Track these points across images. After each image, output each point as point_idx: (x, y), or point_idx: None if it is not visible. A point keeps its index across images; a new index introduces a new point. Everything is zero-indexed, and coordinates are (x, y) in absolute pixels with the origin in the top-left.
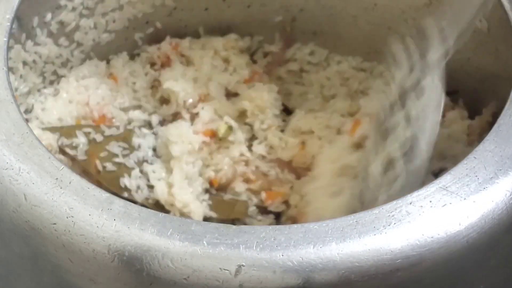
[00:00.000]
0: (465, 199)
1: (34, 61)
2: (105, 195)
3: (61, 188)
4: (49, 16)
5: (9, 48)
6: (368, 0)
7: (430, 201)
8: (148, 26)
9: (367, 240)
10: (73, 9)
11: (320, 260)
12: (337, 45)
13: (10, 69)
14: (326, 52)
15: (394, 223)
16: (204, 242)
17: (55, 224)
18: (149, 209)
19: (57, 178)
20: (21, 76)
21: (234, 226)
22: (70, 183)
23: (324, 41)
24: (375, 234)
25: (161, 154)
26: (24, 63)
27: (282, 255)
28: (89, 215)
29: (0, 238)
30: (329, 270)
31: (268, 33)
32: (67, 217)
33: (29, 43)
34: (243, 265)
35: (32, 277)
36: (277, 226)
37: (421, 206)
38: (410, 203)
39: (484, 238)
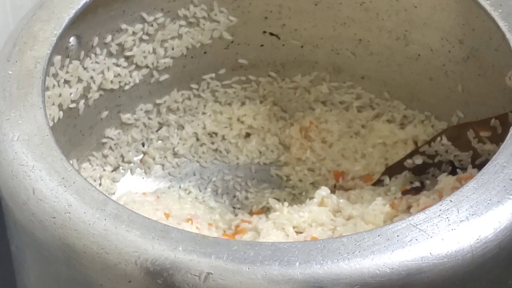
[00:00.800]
0: (431, 237)
1: (91, 78)
2: (103, 196)
3: (64, 186)
4: (109, 37)
5: (50, 62)
6: (412, 51)
7: (398, 236)
8: (206, 56)
9: (330, 264)
10: (134, 33)
11: (282, 277)
12: (382, 91)
13: (67, 82)
14: (372, 97)
15: (359, 252)
16: (180, 248)
17: (54, 218)
18: (138, 214)
19: (63, 178)
20: (77, 90)
21: (211, 237)
22: (74, 183)
23: (371, 85)
24: (337, 260)
25: None
26: (79, 79)
27: (248, 268)
28: (84, 213)
29: (14, 228)
30: (290, 287)
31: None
32: (65, 213)
33: (88, 61)
34: (211, 273)
35: (39, 266)
36: (250, 242)
37: (388, 239)
38: (378, 236)
39: (445, 276)
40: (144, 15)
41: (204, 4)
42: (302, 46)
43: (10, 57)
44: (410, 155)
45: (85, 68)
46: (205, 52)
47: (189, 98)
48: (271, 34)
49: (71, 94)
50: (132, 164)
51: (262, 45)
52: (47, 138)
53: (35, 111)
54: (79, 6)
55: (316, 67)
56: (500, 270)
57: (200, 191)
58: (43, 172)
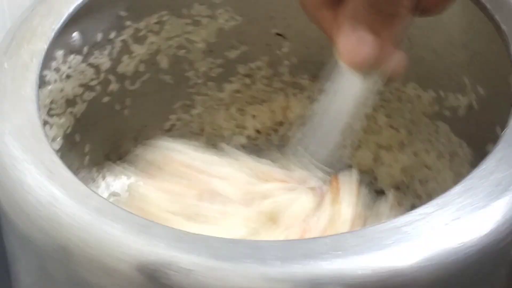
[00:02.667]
0: (414, 240)
1: (95, 72)
2: (88, 191)
3: (50, 179)
4: (113, 34)
5: (48, 56)
6: (416, 54)
7: (380, 237)
8: (212, 54)
9: (311, 264)
10: (138, 30)
11: (262, 275)
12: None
13: (69, 77)
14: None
15: (340, 252)
16: (161, 244)
17: (39, 210)
18: (124, 209)
19: (50, 171)
20: (80, 85)
21: (192, 234)
22: (60, 176)
23: None
24: (318, 260)
25: None
26: (81, 73)
27: (228, 266)
28: (68, 206)
29: (6, 223)
30: (268, 286)
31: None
32: (49, 206)
33: (91, 57)
34: (192, 270)
35: (28, 261)
36: (232, 239)
37: (370, 241)
38: (361, 237)
39: (428, 280)
40: (149, 12)
41: (209, 2)
42: (308, 47)
43: (7, 51)
44: None
45: (88, 64)
46: (210, 51)
47: None
48: (277, 34)
49: (73, 89)
50: None
51: (268, 44)
52: (37, 130)
53: (27, 104)
54: (79, 2)
55: (323, 68)
56: (484, 275)
57: None
58: (31, 164)
